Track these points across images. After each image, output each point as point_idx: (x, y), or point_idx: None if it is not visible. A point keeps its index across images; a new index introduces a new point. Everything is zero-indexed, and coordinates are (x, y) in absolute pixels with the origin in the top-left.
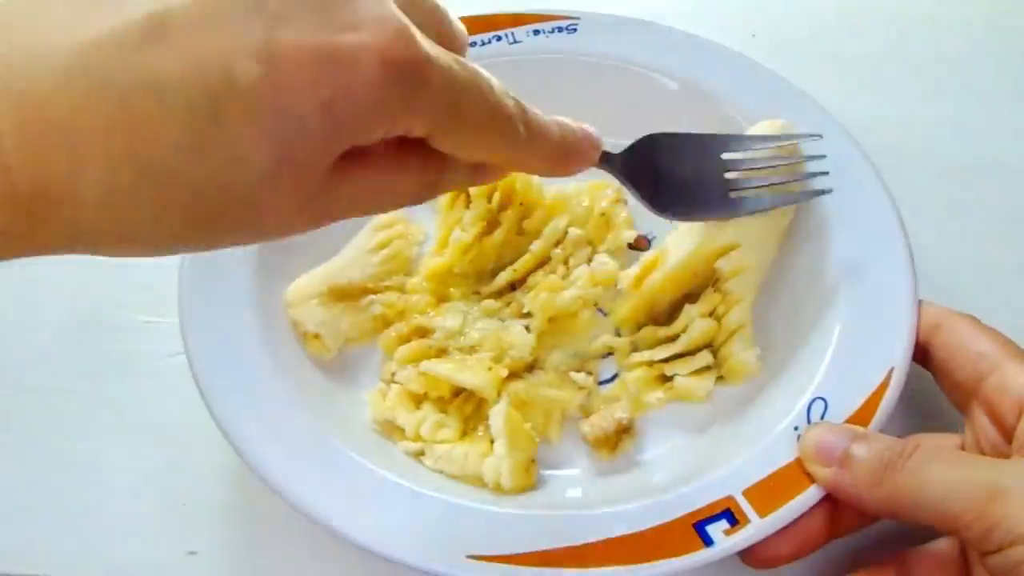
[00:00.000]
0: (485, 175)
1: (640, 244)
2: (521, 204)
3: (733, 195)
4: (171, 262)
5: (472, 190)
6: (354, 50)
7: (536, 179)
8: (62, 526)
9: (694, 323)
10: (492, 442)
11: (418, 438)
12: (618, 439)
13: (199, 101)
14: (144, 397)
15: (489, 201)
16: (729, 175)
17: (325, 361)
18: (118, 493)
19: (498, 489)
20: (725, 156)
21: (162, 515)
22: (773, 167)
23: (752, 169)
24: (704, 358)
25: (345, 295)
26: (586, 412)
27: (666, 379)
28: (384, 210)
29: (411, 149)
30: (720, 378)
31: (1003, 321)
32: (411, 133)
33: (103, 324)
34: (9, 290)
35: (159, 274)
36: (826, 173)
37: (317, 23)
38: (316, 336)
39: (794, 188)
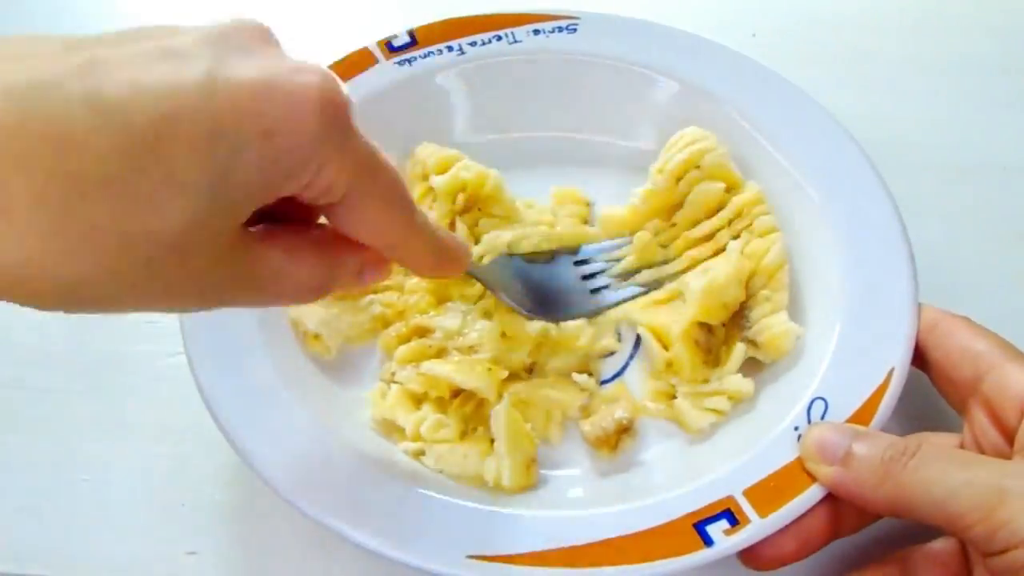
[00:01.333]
0: (372, 272)
1: None
2: (479, 209)
3: (593, 294)
4: None
5: (438, 187)
6: (296, 87)
7: (505, 190)
8: (62, 526)
9: (729, 378)
10: (492, 442)
11: (418, 438)
12: (618, 439)
13: (137, 120)
14: (144, 397)
15: (453, 202)
16: (585, 274)
17: (325, 361)
18: (118, 493)
19: (498, 489)
20: (576, 261)
21: (162, 515)
22: (618, 261)
23: (603, 270)
24: (719, 403)
25: (345, 295)
26: (587, 412)
27: (673, 396)
28: (281, 300)
29: (309, 237)
30: (753, 344)
31: (1003, 322)
32: (331, 190)
33: (103, 324)
34: None
35: None
36: (670, 260)
37: (257, 63)
38: (316, 336)
39: (649, 276)
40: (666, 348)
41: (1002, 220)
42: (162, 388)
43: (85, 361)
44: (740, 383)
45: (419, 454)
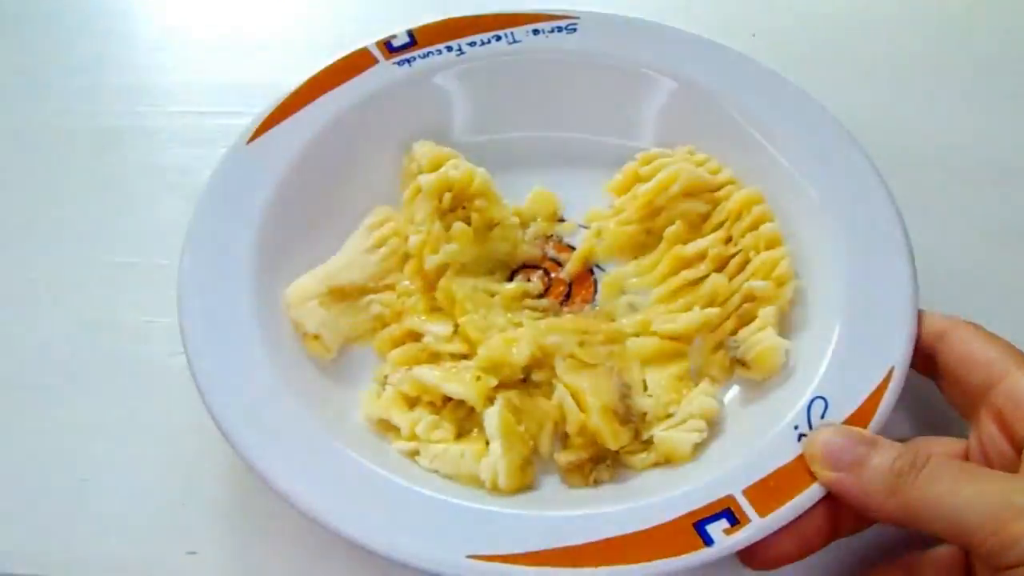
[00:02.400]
0: None
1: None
2: (463, 208)
3: None
4: (171, 261)
5: (424, 186)
6: None
7: (493, 189)
8: (62, 526)
9: (696, 399)
10: (487, 443)
11: (413, 437)
12: (592, 467)
13: None
14: (144, 397)
15: (440, 201)
16: None
17: (325, 361)
18: (118, 493)
19: (495, 489)
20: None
21: (162, 515)
22: None
23: None
24: (696, 425)
25: (345, 295)
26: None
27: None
28: None
29: None
30: (743, 364)
31: (1003, 323)
32: None
33: (103, 324)
34: (9, 290)
35: (159, 274)
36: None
37: None
38: (316, 337)
39: None
40: (583, 411)
41: (1003, 221)
42: (162, 388)
43: (85, 361)
44: (704, 403)
45: (414, 454)
